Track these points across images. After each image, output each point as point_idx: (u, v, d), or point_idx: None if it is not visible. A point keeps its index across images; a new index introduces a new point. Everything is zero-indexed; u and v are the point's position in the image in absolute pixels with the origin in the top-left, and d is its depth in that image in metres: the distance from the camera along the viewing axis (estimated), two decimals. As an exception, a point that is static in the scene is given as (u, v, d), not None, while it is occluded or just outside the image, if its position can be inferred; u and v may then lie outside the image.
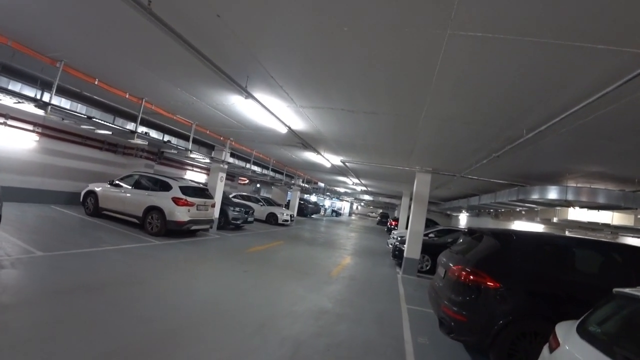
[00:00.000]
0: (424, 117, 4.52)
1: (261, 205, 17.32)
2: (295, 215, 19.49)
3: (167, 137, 8.18)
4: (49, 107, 5.21)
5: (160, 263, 6.11)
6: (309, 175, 18.25)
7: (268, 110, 5.12)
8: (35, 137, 10.35)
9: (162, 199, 8.84)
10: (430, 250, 9.33)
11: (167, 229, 8.65)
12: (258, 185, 28.59)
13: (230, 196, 17.59)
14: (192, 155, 8.87)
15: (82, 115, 5.77)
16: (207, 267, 6.39)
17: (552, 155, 5.60)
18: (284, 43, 3.23)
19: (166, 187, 9.09)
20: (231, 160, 11.66)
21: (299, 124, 6.25)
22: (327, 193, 29.79)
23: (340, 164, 9.72)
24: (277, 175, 16.00)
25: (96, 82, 5.75)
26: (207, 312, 4.18)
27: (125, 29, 3.54)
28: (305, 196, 35.63)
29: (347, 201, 44.81)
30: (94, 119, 6.07)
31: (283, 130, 6.45)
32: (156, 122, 8.55)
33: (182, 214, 8.71)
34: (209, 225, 9.70)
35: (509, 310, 3.36)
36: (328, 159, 9.56)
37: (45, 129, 10.61)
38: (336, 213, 42.10)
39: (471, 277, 3.45)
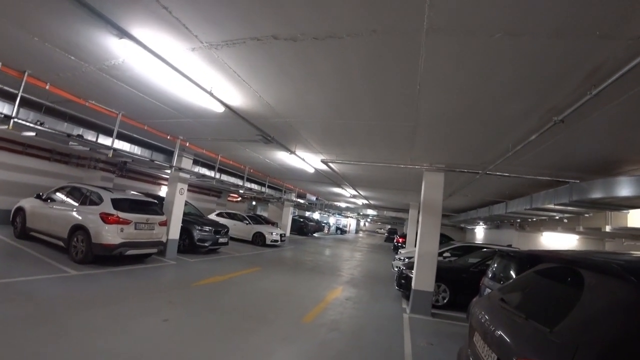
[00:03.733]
0: (427, 30, 2.34)
1: (247, 224, 15.10)
2: (288, 234, 17.12)
3: (76, 131, 6.12)
4: None
5: (31, 309, 3.92)
6: (299, 188, 16.01)
7: (160, 58, 3.03)
8: (-45, 145, 8.57)
9: (88, 216, 6.72)
10: (448, 276, 6.97)
11: (94, 255, 6.50)
12: (254, 203, 26.42)
13: (214, 214, 15.50)
14: (120, 153, 6.81)
15: None
16: (105, 315, 4.15)
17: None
18: None
19: (97, 200, 7.00)
20: (196, 168, 9.58)
21: (232, 94, 4.11)
22: (327, 209, 27.37)
23: (323, 166, 7.52)
24: (262, 189, 13.79)
25: None
26: None
27: None
28: (307, 214, 33.18)
29: (352, 217, 42.14)
30: None
31: (217, 107, 4.35)
32: (102, 124, 6.55)
33: (111, 235, 6.54)
34: (156, 248, 7.50)
35: None
36: (304, 159, 7.35)
37: (-30, 136, 8.84)
38: (341, 231, 39.35)
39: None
